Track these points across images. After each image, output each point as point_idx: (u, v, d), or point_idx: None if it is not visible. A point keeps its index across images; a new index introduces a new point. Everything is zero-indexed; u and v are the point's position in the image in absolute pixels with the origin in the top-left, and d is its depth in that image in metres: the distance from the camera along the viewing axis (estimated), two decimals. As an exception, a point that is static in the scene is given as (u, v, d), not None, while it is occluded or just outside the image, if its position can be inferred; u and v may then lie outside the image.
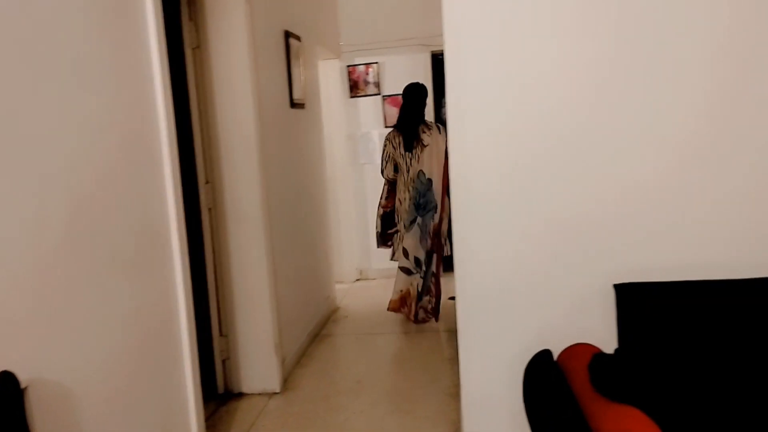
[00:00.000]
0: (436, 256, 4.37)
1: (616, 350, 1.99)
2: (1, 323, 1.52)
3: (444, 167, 4.21)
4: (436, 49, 5.40)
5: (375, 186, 5.65)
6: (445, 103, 5.86)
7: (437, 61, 5.48)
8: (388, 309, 4.48)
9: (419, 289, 4.35)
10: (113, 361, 1.97)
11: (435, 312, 4.42)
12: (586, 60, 2.07)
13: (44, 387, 1.64)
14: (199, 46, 3.14)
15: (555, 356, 2.03)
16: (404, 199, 4.34)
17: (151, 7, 2.24)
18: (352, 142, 5.66)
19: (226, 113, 3.18)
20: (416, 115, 4.36)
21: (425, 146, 4.27)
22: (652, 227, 2.11)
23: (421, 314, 4.38)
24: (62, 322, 1.74)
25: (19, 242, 1.59)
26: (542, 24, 2.08)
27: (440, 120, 5.79)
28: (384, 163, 4.46)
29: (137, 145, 2.17)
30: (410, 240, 4.31)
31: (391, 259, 4.53)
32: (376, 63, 5.54)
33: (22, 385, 1.50)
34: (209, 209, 3.22)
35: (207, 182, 3.20)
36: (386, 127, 5.59)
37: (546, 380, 1.87)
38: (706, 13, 1.99)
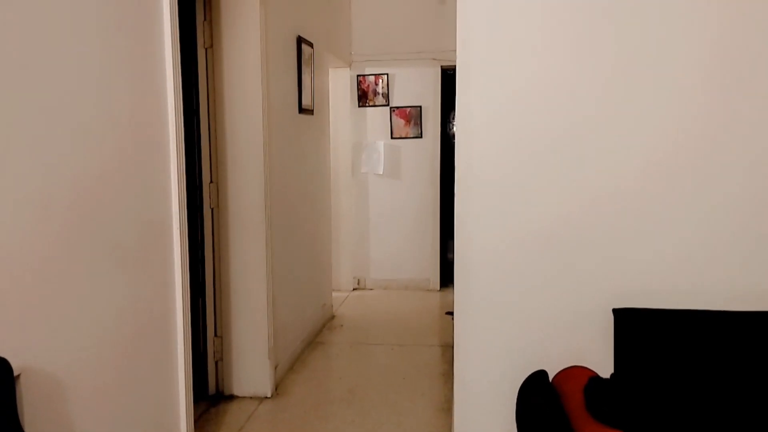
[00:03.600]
0: None
1: (613, 375, 1.98)
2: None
3: None
4: (446, 64, 5.43)
5: (377, 196, 5.67)
6: (452, 116, 5.89)
7: (447, 76, 5.51)
8: None
9: None
10: (106, 354, 1.96)
11: None
12: (589, 76, 2.10)
13: (36, 375, 1.63)
14: (212, 46, 3.16)
15: (550, 377, 2.02)
16: None
17: (167, 5, 2.26)
18: (358, 151, 5.67)
19: (235, 114, 3.19)
20: None
21: None
22: (654, 251, 2.11)
23: None
24: (58, 312, 1.74)
25: (21, 231, 1.59)
26: (547, 43, 2.11)
27: (447, 135, 5.82)
28: None
29: (145, 141, 2.17)
30: None
31: None
32: (386, 74, 5.56)
33: (15, 373, 1.49)
34: (212, 209, 3.22)
35: (211, 182, 3.20)
36: (392, 138, 5.60)
37: (540, 401, 1.86)
38: (699, 29, 2.04)
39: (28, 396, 1.60)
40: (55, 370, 1.72)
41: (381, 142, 5.62)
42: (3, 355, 1.46)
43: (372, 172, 5.65)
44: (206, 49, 3.15)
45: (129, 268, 2.07)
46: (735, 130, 2.05)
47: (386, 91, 5.59)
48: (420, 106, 5.55)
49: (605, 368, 2.05)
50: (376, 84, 5.60)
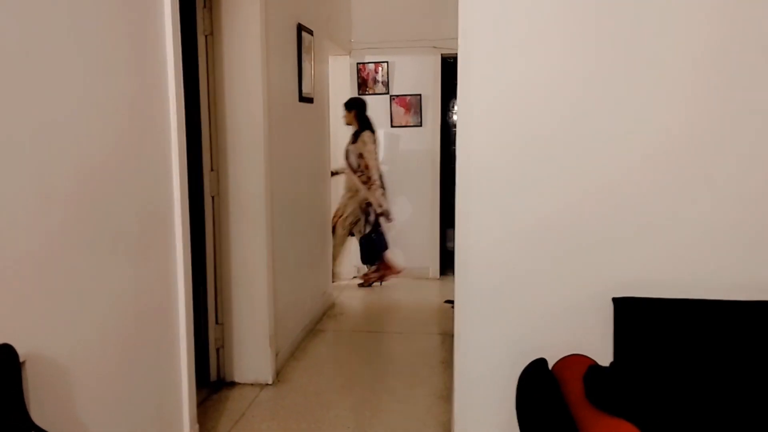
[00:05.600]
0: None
1: (612, 363, 2.00)
2: (4, 297, 1.53)
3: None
4: (446, 52, 5.41)
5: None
6: (452, 105, 5.88)
7: (447, 65, 5.49)
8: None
9: None
10: (109, 341, 1.97)
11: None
12: (591, 67, 2.10)
13: (41, 362, 1.65)
14: (212, 33, 3.14)
15: (550, 365, 2.04)
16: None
17: (168, -9, 2.25)
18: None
19: (235, 102, 3.18)
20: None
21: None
22: (653, 241, 2.12)
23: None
24: (61, 300, 1.74)
25: (24, 219, 1.60)
26: (549, 35, 2.11)
27: (447, 123, 5.80)
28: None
29: (146, 130, 2.17)
30: None
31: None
32: (386, 62, 5.54)
33: (21, 359, 1.50)
34: (213, 197, 3.22)
35: (212, 170, 3.20)
36: (392, 126, 5.59)
37: (540, 389, 1.88)
38: (695, 22, 2.04)
39: (33, 382, 1.61)
40: (59, 357, 1.73)
41: (381, 131, 5.61)
42: (9, 342, 1.47)
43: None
44: (206, 37, 3.13)
45: (131, 256, 2.08)
46: (734, 122, 2.05)
47: (386, 79, 5.57)
48: (420, 95, 5.54)
49: (604, 357, 2.07)
50: (376, 72, 5.57)
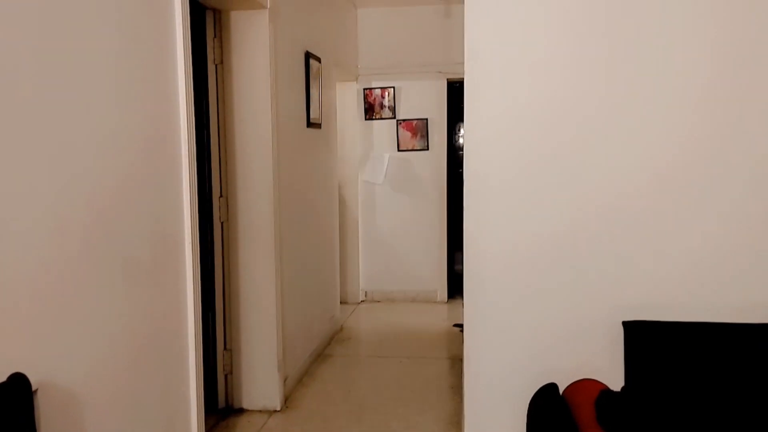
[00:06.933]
0: None
1: (623, 388, 1.98)
2: (16, 326, 1.54)
3: None
4: (452, 76, 5.46)
5: (385, 208, 5.69)
6: (458, 128, 5.92)
7: (452, 89, 5.54)
8: None
9: None
10: (120, 368, 1.98)
11: None
12: (596, 87, 2.13)
13: (52, 390, 1.65)
14: (222, 62, 3.20)
15: (561, 389, 2.03)
16: None
17: (180, 24, 2.29)
18: (365, 164, 5.70)
19: (245, 129, 3.23)
20: None
21: None
22: (662, 263, 2.12)
23: None
24: (73, 327, 1.76)
25: (39, 247, 1.62)
26: (553, 56, 2.15)
27: (453, 147, 5.84)
28: None
29: (158, 157, 2.20)
30: None
31: None
32: (393, 87, 5.60)
33: (33, 387, 1.51)
34: (222, 223, 3.25)
35: (221, 196, 3.23)
36: (399, 150, 5.64)
37: (551, 414, 1.87)
38: (699, 39, 2.07)
39: (45, 410, 1.61)
40: (70, 385, 1.74)
41: (387, 154, 5.65)
42: (21, 370, 1.48)
43: (372, 182, 5.65)
44: (216, 65, 3.19)
45: (142, 283, 2.10)
46: (739, 139, 2.06)
47: (393, 104, 5.62)
48: (426, 119, 5.58)
49: (615, 381, 2.05)
50: (383, 97, 5.63)
